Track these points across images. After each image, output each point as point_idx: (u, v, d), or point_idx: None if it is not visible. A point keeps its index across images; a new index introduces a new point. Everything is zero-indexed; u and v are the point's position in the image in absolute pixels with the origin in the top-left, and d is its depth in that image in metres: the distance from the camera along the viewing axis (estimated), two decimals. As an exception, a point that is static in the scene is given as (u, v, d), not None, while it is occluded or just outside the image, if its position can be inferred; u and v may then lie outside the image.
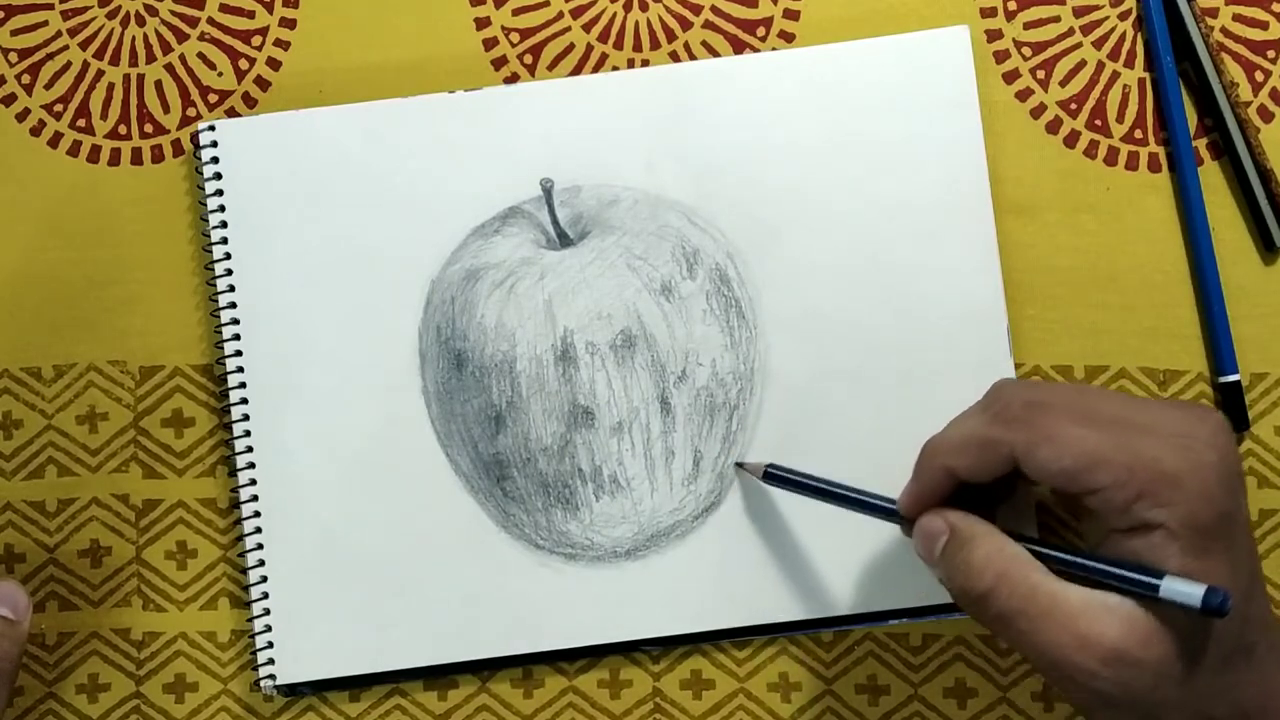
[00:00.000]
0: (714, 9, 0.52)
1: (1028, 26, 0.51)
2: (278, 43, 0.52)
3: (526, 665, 0.50)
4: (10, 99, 0.52)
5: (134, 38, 0.52)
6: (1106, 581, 0.37)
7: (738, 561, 0.49)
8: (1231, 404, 0.50)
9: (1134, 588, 0.36)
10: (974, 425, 0.40)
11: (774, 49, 0.51)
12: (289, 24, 0.52)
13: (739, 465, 0.49)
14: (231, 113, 0.52)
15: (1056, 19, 0.51)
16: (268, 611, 0.49)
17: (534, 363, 0.49)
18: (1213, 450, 0.37)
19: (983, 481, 0.40)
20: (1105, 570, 0.37)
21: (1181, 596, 0.35)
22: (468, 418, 0.50)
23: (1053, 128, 0.51)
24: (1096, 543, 0.39)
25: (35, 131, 0.52)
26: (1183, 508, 0.36)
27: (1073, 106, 0.51)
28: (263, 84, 0.52)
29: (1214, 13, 0.51)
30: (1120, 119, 0.51)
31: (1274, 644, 0.38)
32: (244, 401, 0.50)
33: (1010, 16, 0.51)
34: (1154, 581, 0.35)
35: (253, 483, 0.50)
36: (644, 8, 0.52)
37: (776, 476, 0.47)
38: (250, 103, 0.52)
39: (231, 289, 0.50)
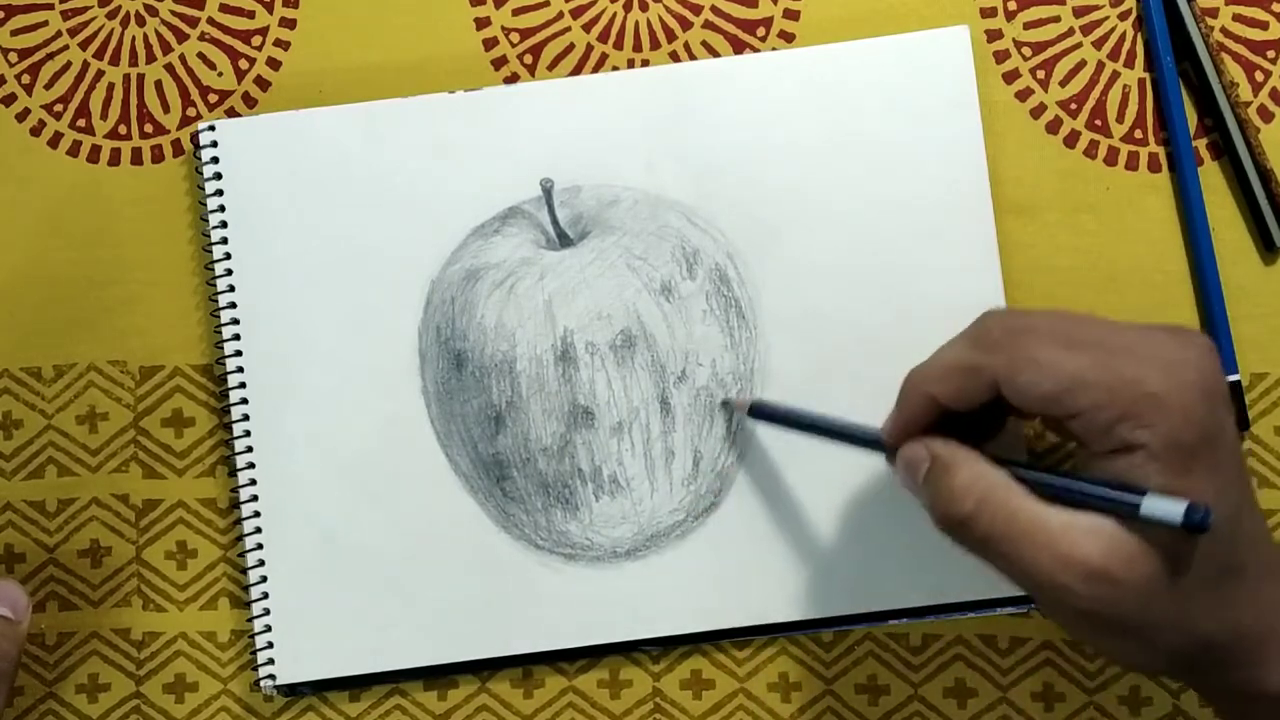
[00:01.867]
0: (714, 9, 0.52)
1: (1028, 26, 0.51)
2: (278, 43, 0.52)
3: (526, 665, 0.50)
4: (10, 99, 0.52)
5: (134, 38, 0.52)
6: (1090, 503, 0.36)
7: (738, 561, 0.49)
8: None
9: (1115, 507, 0.36)
10: (956, 352, 0.40)
11: (774, 49, 0.51)
12: (289, 24, 0.52)
13: (724, 404, 0.49)
14: (231, 113, 0.52)
15: (1056, 19, 0.51)
16: (268, 611, 0.49)
17: (534, 363, 0.49)
18: (1195, 371, 0.36)
19: (966, 409, 0.39)
20: (1087, 491, 0.36)
21: (1162, 513, 0.35)
22: (467, 418, 0.50)
23: (1053, 128, 0.51)
24: (1082, 468, 0.38)
25: (35, 131, 0.52)
26: (1164, 428, 0.35)
27: (1073, 106, 0.51)
28: (263, 84, 0.52)
29: (1214, 13, 0.51)
30: (1120, 119, 0.51)
31: (1268, 562, 0.38)
32: (244, 401, 0.50)
33: (1010, 16, 0.51)
34: (1135, 500, 0.35)
35: (253, 483, 0.50)
36: (644, 8, 0.52)
37: (762, 412, 0.48)
38: (250, 103, 0.52)
39: (231, 289, 0.50)
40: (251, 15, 0.52)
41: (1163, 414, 0.35)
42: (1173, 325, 0.38)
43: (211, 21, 0.52)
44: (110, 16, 0.52)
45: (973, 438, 0.40)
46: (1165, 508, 0.35)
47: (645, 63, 0.51)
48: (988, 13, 0.51)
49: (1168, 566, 0.36)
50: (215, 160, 0.50)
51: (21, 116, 0.52)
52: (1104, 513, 0.36)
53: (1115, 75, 0.51)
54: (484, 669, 0.50)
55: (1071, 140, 0.51)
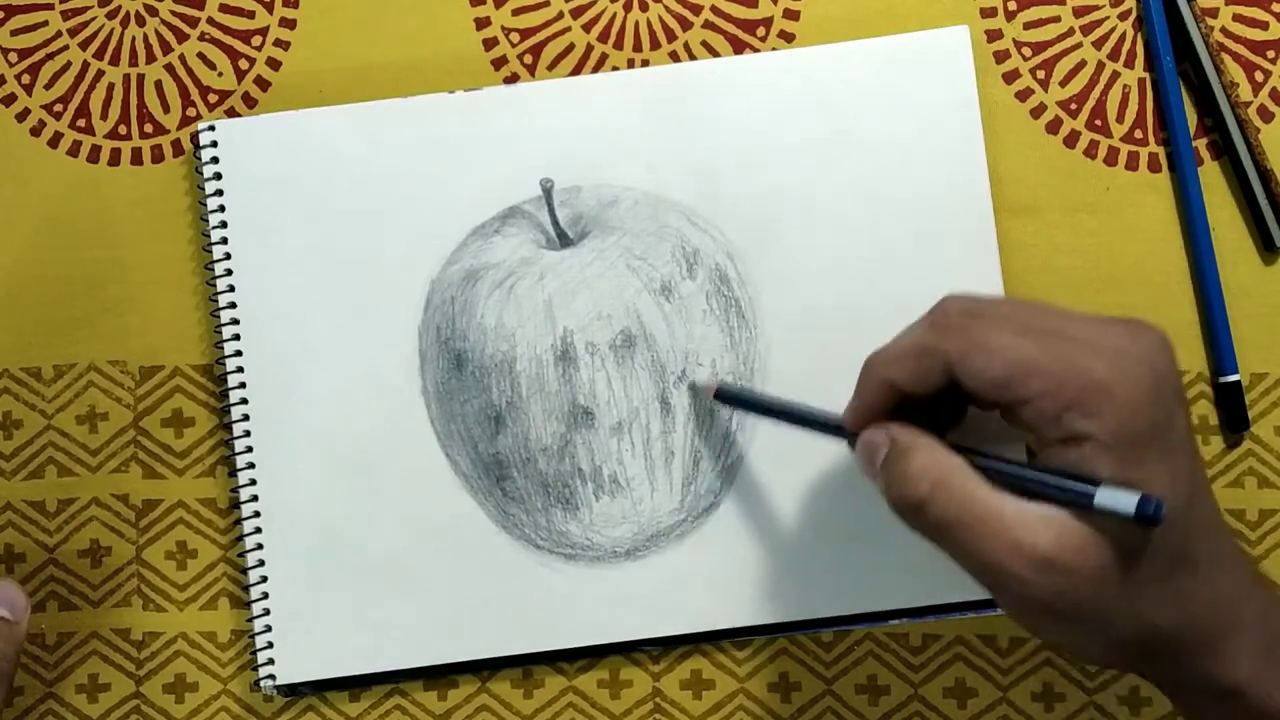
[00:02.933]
0: (714, 9, 0.52)
1: (1028, 26, 0.51)
2: (278, 43, 0.52)
3: (526, 665, 0.50)
4: (10, 99, 0.52)
5: (134, 38, 0.52)
6: (1045, 492, 0.36)
7: (738, 561, 0.49)
8: (1231, 404, 0.50)
9: (1069, 497, 0.36)
10: (913, 335, 0.39)
11: (774, 49, 0.51)
12: (289, 24, 0.52)
13: (691, 386, 0.49)
14: (231, 113, 0.52)
15: (1056, 19, 0.51)
16: (268, 611, 0.49)
17: (534, 363, 0.49)
18: (1145, 363, 0.36)
19: (924, 392, 0.39)
20: (1042, 480, 0.36)
21: (1115, 505, 0.35)
22: (468, 418, 0.50)
23: (1053, 128, 0.51)
24: (1039, 458, 0.38)
25: (35, 131, 0.52)
26: (1113, 418, 0.35)
27: (1073, 106, 0.51)
28: (263, 84, 0.52)
29: (1214, 13, 0.51)
30: (1120, 119, 0.51)
31: (1220, 553, 0.38)
32: (244, 401, 0.50)
33: (1010, 16, 0.51)
34: (1088, 490, 0.35)
35: (253, 483, 0.50)
36: (644, 8, 0.52)
37: (727, 396, 0.48)
38: (250, 103, 0.52)
39: (231, 289, 0.50)
40: (251, 15, 0.52)
41: (1111, 404, 0.35)
42: (1129, 318, 0.38)
43: (211, 21, 0.52)
44: (110, 16, 0.52)
45: (937, 427, 0.40)
46: (1118, 499, 0.35)
47: (645, 63, 0.51)
48: (988, 13, 0.51)
49: (1120, 557, 0.36)
50: (215, 160, 0.50)
51: (21, 116, 0.52)
52: (1059, 503, 0.36)
53: (1115, 75, 0.51)
54: (484, 669, 0.50)
55: (1071, 140, 0.51)
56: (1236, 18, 0.51)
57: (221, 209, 0.50)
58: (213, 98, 0.52)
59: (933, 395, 0.39)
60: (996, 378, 0.37)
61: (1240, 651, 0.37)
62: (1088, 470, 0.36)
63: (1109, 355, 0.36)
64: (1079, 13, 0.51)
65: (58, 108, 0.52)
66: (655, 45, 0.51)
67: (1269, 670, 0.37)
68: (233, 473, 0.50)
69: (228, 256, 0.50)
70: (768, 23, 0.52)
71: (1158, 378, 0.36)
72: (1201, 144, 0.51)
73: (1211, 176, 0.51)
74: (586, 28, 0.52)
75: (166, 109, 0.52)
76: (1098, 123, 0.51)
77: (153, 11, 0.52)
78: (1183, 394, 0.37)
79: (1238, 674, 0.37)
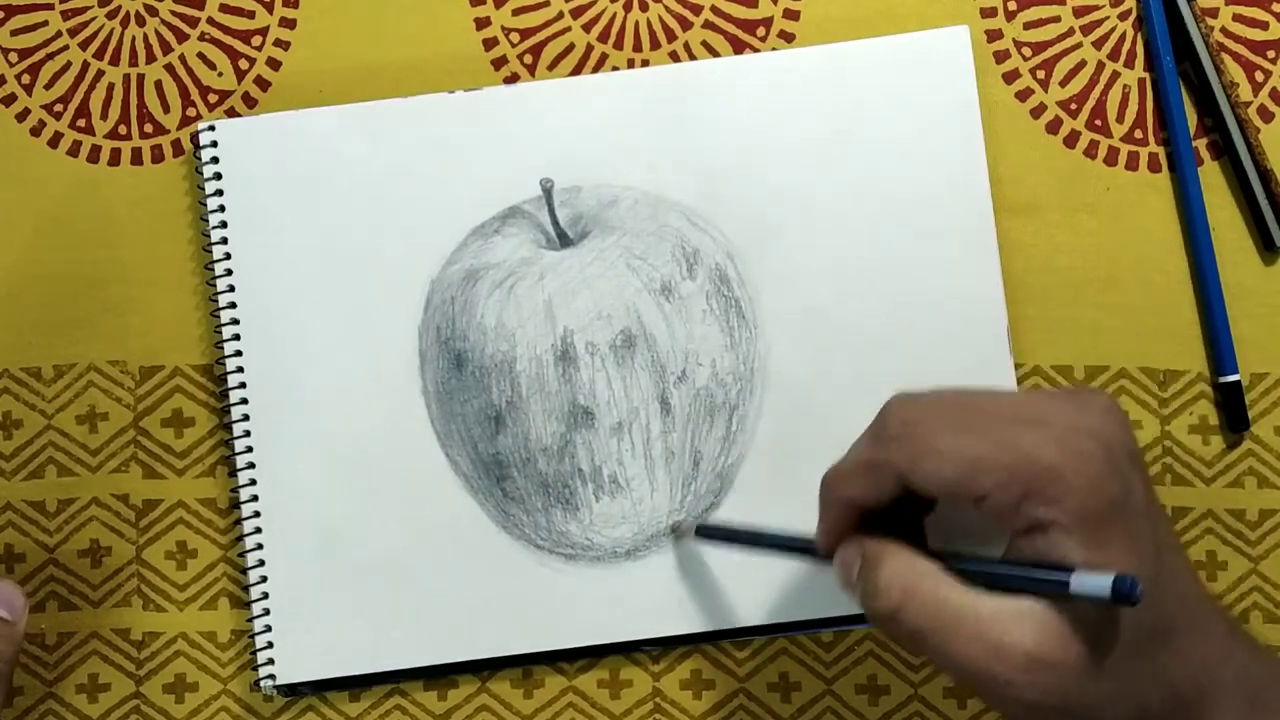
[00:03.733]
0: (714, 9, 0.52)
1: (1028, 26, 0.51)
2: (278, 43, 0.52)
3: (526, 665, 0.50)
4: (10, 99, 0.52)
5: (134, 38, 0.52)
6: (1023, 585, 0.36)
7: (737, 562, 0.49)
8: (1231, 404, 0.50)
9: (1045, 587, 0.35)
10: (860, 450, 0.39)
11: (774, 49, 0.51)
12: (289, 24, 0.52)
13: (672, 529, 0.49)
14: (231, 113, 0.52)
15: (1056, 19, 0.51)
16: (268, 611, 0.49)
17: (534, 363, 0.49)
18: (1094, 437, 0.35)
19: (883, 503, 0.39)
20: (1017, 574, 0.36)
21: (1091, 588, 0.34)
22: (468, 418, 0.50)
23: (1053, 128, 0.51)
24: (1011, 552, 0.37)
25: (35, 131, 0.52)
26: (1070, 501, 0.35)
27: (1073, 106, 0.51)
28: (263, 84, 0.52)
29: (1214, 13, 0.51)
30: (1120, 119, 0.51)
31: (1195, 620, 0.37)
32: (244, 401, 0.50)
33: (1010, 16, 0.51)
34: (1063, 578, 0.34)
35: (253, 483, 0.50)
36: (644, 8, 0.52)
37: (707, 532, 0.48)
38: (250, 103, 0.52)
39: (231, 289, 0.50)
40: (251, 15, 0.52)
41: (1064, 487, 0.35)
42: (1076, 389, 0.37)
43: (211, 21, 0.52)
44: (110, 16, 0.52)
45: (915, 518, 0.40)
46: (1093, 583, 0.34)
47: (645, 63, 0.51)
48: (988, 13, 0.51)
49: (1100, 642, 0.35)
50: (215, 160, 0.50)
51: (21, 116, 0.52)
52: (1037, 594, 0.35)
53: (1115, 75, 0.51)
54: (484, 669, 0.50)
55: (1071, 140, 0.51)
56: (1236, 18, 0.51)
57: (221, 209, 0.50)
58: (213, 98, 0.52)
59: (891, 501, 0.38)
60: (948, 480, 0.36)
61: (1224, 713, 0.37)
62: (1057, 557, 0.35)
63: (1056, 436, 0.35)
64: (1079, 13, 0.51)
65: (58, 108, 0.52)
66: (655, 45, 0.51)
67: None
68: (233, 473, 0.50)
69: (228, 256, 0.50)
70: (768, 23, 0.52)
71: (1109, 449, 0.36)
72: (1201, 144, 0.51)
73: (1211, 176, 0.51)
74: (586, 28, 0.52)
75: (166, 109, 0.52)
76: (1098, 123, 0.51)
77: (153, 11, 0.52)
78: (1138, 458, 0.37)
79: None
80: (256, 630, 0.49)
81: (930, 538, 0.40)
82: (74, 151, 0.52)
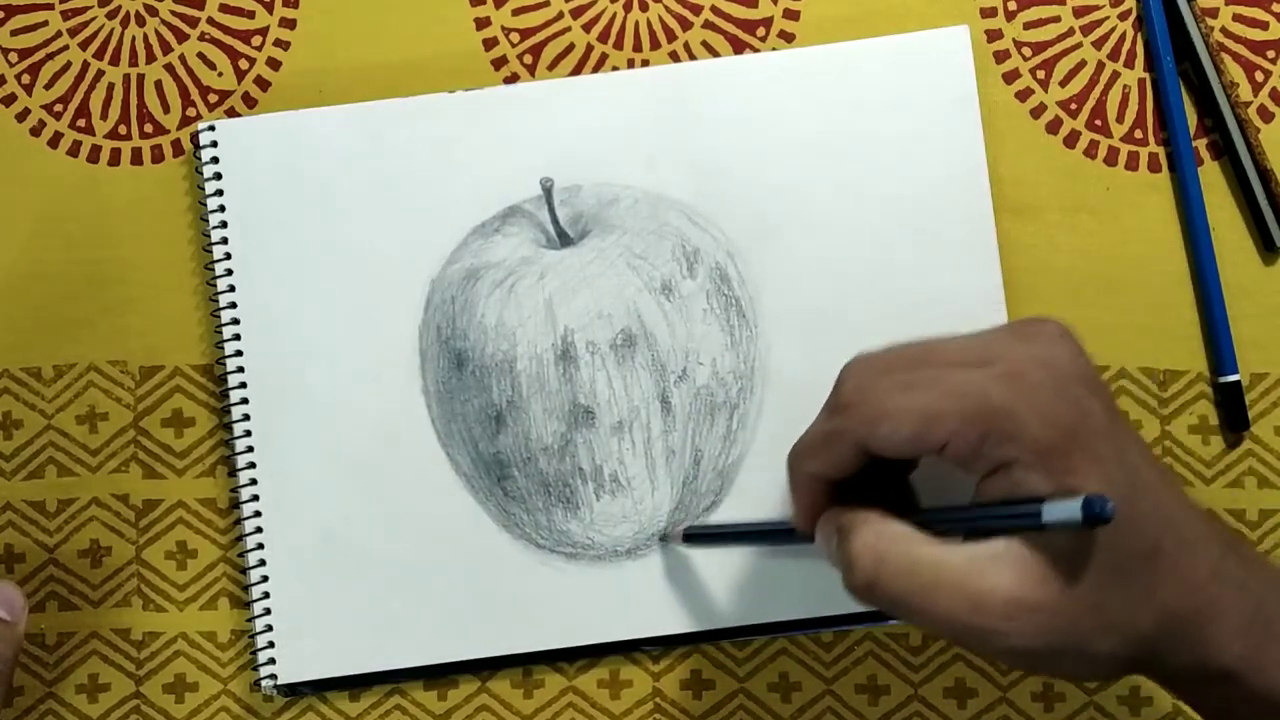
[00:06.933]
0: (714, 9, 0.52)
1: (1028, 26, 0.51)
2: (278, 43, 0.52)
3: (526, 665, 0.50)
4: (10, 99, 0.52)
5: (134, 38, 0.52)
6: (997, 527, 0.35)
7: (738, 561, 0.49)
8: (1231, 404, 0.50)
9: (1018, 523, 0.34)
10: (818, 423, 0.38)
11: (774, 49, 0.51)
12: (289, 24, 0.52)
13: (661, 537, 0.49)
14: (231, 113, 0.52)
15: (1056, 19, 0.51)
16: (268, 611, 0.49)
17: (534, 362, 0.49)
18: (1043, 368, 0.35)
19: (851, 473, 0.38)
20: (987, 515, 0.35)
21: (1063, 515, 0.33)
22: (468, 417, 0.50)
23: (1053, 128, 0.51)
24: (980, 497, 0.37)
25: (35, 131, 0.52)
26: (1026, 436, 0.34)
27: (1073, 106, 0.51)
28: (263, 84, 0.52)
29: (1214, 13, 0.51)
30: (1120, 119, 0.51)
31: (1182, 536, 0.36)
32: (244, 401, 0.50)
33: (1010, 16, 0.51)
34: (1033, 509, 0.34)
35: (253, 483, 0.50)
36: (644, 8, 0.52)
37: (694, 535, 0.48)
38: (250, 103, 0.52)
39: (231, 289, 0.50)
40: (251, 15, 0.52)
41: (1018, 423, 0.34)
42: (1022, 320, 0.36)
43: (211, 21, 0.52)
44: (110, 16, 0.52)
45: (897, 477, 0.39)
46: (1064, 510, 0.33)
47: (645, 63, 0.51)
48: (988, 13, 0.51)
49: (1080, 572, 0.34)
50: (215, 160, 0.50)
51: (21, 116, 0.52)
52: (1013, 533, 0.35)
53: (1115, 75, 0.51)
54: (484, 669, 0.50)
55: (1071, 140, 0.51)
56: (1236, 18, 0.51)
57: (221, 209, 0.50)
58: (213, 98, 0.52)
59: (874, 462, 0.38)
60: (905, 439, 0.35)
61: (1223, 634, 0.36)
62: (1025, 493, 0.34)
63: (1004, 372, 0.35)
64: (1079, 13, 0.51)
65: (58, 108, 0.52)
66: (655, 45, 0.51)
67: (1257, 648, 0.36)
68: (233, 473, 0.50)
69: (228, 256, 0.50)
70: (768, 23, 0.52)
71: (1059, 376, 0.35)
72: (1201, 144, 0.51)
73: (1211, 176, 0.51)
74: (586, 28, 0.52)
75: (166, 109, 0.52)
76: (1098, 123, 0.51)
77: (153, 11, 0.52)
78: (1092, 380, 0.36)
79: (1225, 657, 0.36)
80: (257, 630, 0.49)
81: (923, 495, 0.39)
82: (74, 151, 0.52)
